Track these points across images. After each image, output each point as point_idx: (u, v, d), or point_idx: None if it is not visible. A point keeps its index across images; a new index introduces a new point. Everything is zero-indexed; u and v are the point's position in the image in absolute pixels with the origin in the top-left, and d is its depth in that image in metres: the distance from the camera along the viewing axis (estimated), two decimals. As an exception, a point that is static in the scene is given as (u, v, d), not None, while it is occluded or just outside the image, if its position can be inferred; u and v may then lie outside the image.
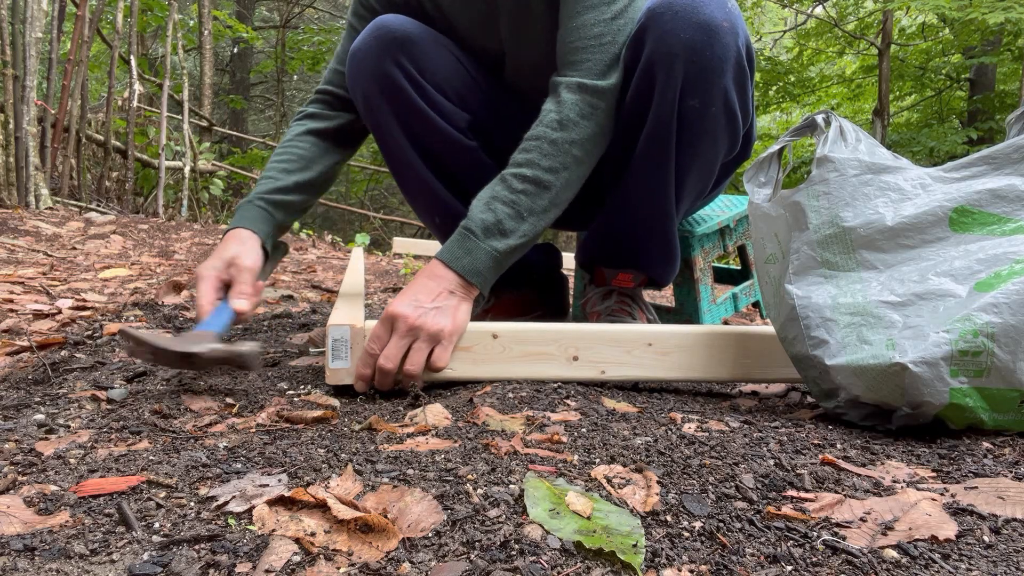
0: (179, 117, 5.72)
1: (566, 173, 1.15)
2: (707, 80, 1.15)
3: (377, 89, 1.29)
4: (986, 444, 0.90)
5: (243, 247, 1.20)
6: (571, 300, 1.82)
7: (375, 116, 1.33)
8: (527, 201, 1.13)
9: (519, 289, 1.58)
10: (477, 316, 1.56)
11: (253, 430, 0.91)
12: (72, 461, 0.78)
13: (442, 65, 1.34)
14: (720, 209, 1.66)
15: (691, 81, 1.15)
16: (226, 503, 0.68)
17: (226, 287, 1.16)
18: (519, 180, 1.14)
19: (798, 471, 0.79)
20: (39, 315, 1.65)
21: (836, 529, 0.66)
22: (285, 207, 1.29)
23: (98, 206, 4.72)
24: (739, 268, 1.86)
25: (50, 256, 2.71)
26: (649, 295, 1.65)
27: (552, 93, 1.19)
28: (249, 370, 1.08)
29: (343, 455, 0.81)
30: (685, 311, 1.59)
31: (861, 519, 0.68)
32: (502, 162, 1.46)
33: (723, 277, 1.91)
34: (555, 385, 1.11)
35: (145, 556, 0.59)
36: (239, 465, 0.78)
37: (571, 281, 1.84)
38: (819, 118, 1.10)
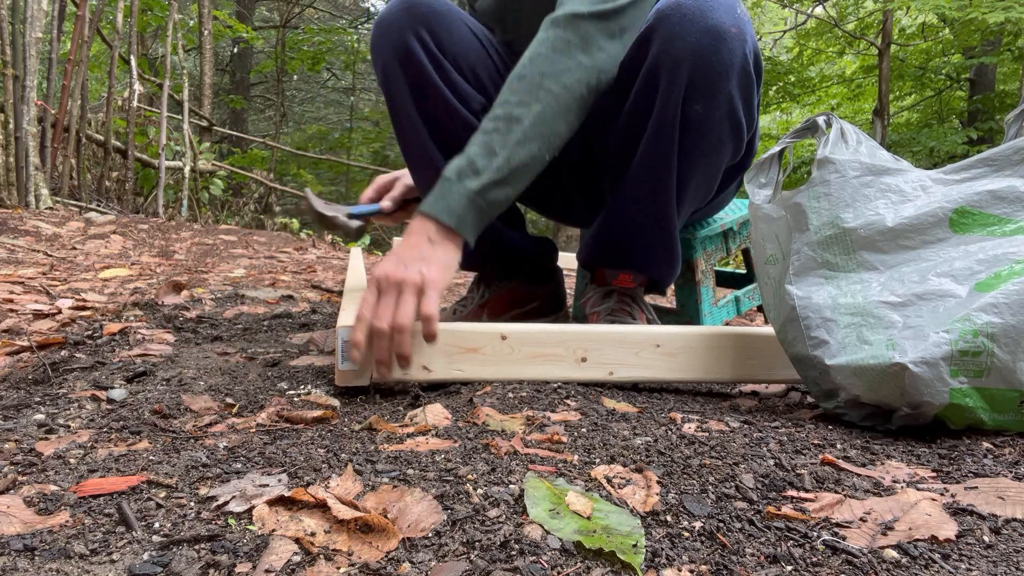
0: (179, 117, 5.72)
1: (538, 106, 1.12)
2: (711, 85, 1.15)
3: (396, 60, 1.30)
4: (986, 444, 0.90)
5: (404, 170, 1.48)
6: (572, 300, 1.82)
7: (391, 87, 1.34)
8: (498, 137, 1.11)
9: (512, 280, 1.58)
10: (472, 311, 1.56)
11: (253, 430, 0.91)
12: (72, 461, 0.78)
13: (465, 45, 1.35)
14: (724, 212, 1.66)
15: (695, 85, 1.15)
16: (226, 503, 0.68)
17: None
18: (490, 120, 1.13)
19: (798, 471, 0.79)
20: (39, 315, 1.65)
21: (836, 529, 0.66)
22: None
23: (98, 206, 4.72)
24: (743, 272, 1.85)
25: (50, 256, 2.71)
26: (651, 296, 1.65)
27: None
28: (348, 238, 1.49)
29: (343, 455, 0.81)
30: (686, 312, 1.59)
31: (861, 519, 0.68)
32: None
33: (727, 281, 1.90)
34: (555, 385, 1.11)
35: (145, 556, 0.59)
36: (239, 465, 0.78)
37: (571, 282, 1.83)
38: (820, 120, 1.10)
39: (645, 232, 1.33)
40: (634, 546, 0.61)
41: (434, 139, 1.36)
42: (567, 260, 1.92)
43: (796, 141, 1.14)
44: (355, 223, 1.45)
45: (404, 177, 1.50)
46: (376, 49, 1.33)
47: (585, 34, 1.15)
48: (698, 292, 1.56)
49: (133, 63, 5.10)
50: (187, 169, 5.40)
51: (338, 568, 0.58)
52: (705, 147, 1.22)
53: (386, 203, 1.48)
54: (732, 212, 1.66)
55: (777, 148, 1.15)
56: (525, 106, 1.12)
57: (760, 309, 1.79)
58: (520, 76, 1.14)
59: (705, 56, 1.12)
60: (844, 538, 0.64)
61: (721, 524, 0.66)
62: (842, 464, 0.82)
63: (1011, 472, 0.81)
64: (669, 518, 0.67)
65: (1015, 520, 0.68)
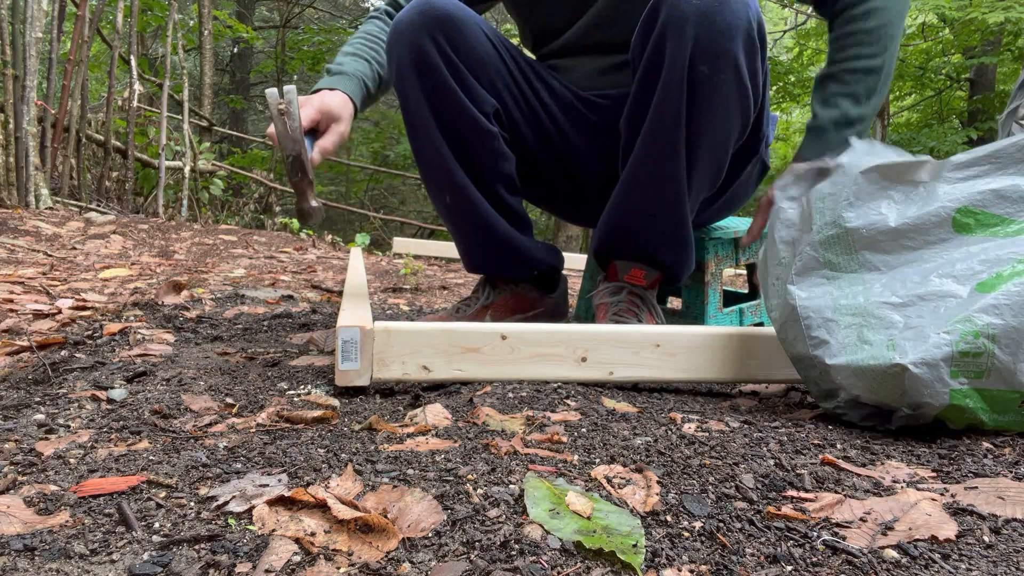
0: (179, 117, 5.72)
1: (889, 50, 1.29)
2: (717, 45, 1.17)
3: (410, 61, 1.32)
4: (986, 444, 0.90)
5: (345, 108, 1.31)
6: (573, 301, 1.82)
7: (404, 86, 1.35)
8: (862, 88, 1.26)
9: (519, 286, 1.58)
10: (476, 313, 1.56)
11: (253, 430, 0.91)
12: (72, 461, 0.78)
13: (479, 50, 1.37)
14: (736, 222, 1.69)
15: (701, 46, 1.17)
16: (226, 503, 0.68)
17: (312, 131, 1.28)
18: (848, 74, 1.26)
19: (798, 471, 0.79)
20: (39, 315, 1.65)
21: (836, 529, 0.66)
22: (370, 97, 1.41)
23: (98, 206, 4.72)
24: (745, 292, 1.86)
25: (50, 256, 2.71)
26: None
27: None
28: (303, 220, 1.25)
29: (343, 455, 0.81)
30: (691, 313, 1.59)
31: (861, 519, 0.68)
32: (525, 158, 1.48)
33: (730, 300, 1.90)
34: (555, 385, 1.11)
35: (145, 556, 0.59)
36: (239, 465, 0.78)
37: (573, 283, 1.83)
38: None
39: (655, 203, 1.32)
40: (634, 546, 0.61)
41: (447, 140, 1.37)
42: (569, 261, 1.92)
43: (831, 165, 1.12)
44: (319, 211, 1.25)
45: (342, 123, 1.30)
46: (391, 51, 1.35)
47: None
48: (705, 293, 1.57)
49: (133, 63, 5.10)
50: (187, 169, 5.40)
51: (338, 568, 0.58)
52: (713, 111, 1.23)
53: (316, 156, 1.28)
54: (745, 223, 1.67)
55: (819, 164, 1.13)
56: (878, 56, 1.28)
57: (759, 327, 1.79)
58: (867, 31, 1.28)
59: (710, 16, 1.15)
60: (844, 538, 0.64)
61: (721, 524, 0.66)
62: (842, 464, 0.82)
63: (1011, 472, 0.81)
64: (669, 518, 0.67)
65: (1015, 520, 0.68)
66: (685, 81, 1.19)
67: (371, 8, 13.86)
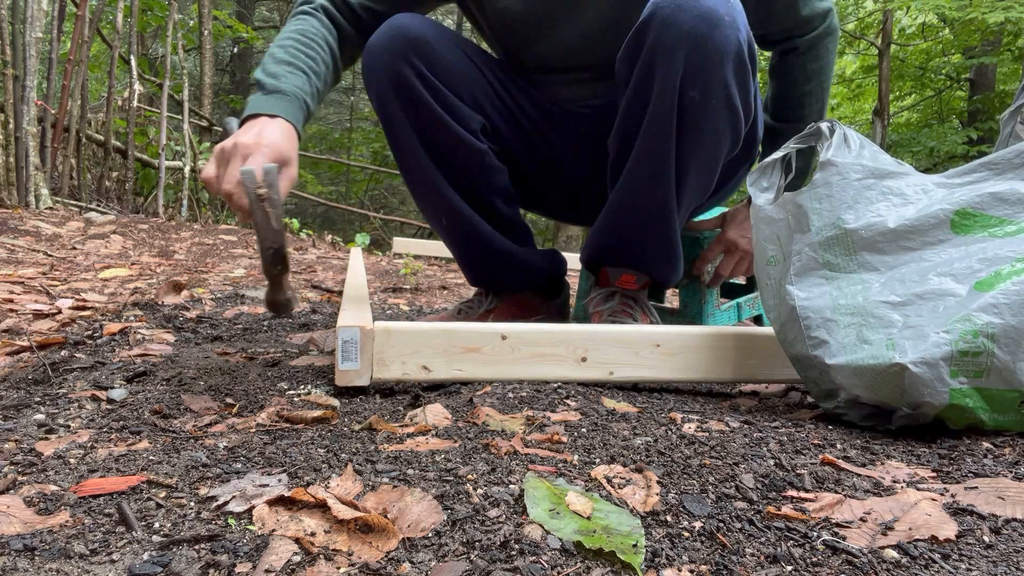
0: (179, 117, 5.72)
1: (825, 98, 1.49)
2: (707, 70, 1.16)
3: (391, 89, 1.30)
4: (986, 444, 0.90)
5: (293, 147, 1.10)
6: (573, 300, 1.82)
7: (387, 113, 1.34)
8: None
9: (521, 291, 1.58)
10: (479, 317, 1.57)
11: (253, 430, 0.91)
12: (72, 461, 0.78)
13: (457, 67, 1.35)
14: None
15: (691, 71, 1.16)
16: (226, 503, 0.68)
17: None
18: (794, 132, 1.31)
19: (798, 471, 0.79)
20: (39, 315, 1.65)
21: (836, 529, 0.66)
22: (308, 117, 1.22)
23: (98, 206, 4.72)
24: (742, 283, 1.85)
25: (50, 256, 2.71)
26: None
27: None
28: (276, 312, 1.12)
29: (343, 455, 0.81)
30: (689, 313, 1.59)
31: (861, 519, 0.68)
32: (514, 167, 1.47)
33: (726, 292, 1.90)
34: (555, 385, 1.11)
35: (145, 556, 0.59)
36: (239, 465, 0.78)
37: (573, 282, 1.83)
38: (824, 126, 1.10)
39: (644, 225, 1.33)
40: (634, 546, 0.61)
41: (434, 160, 1.36)
42: (568, 261, 1.92)
43: (800, 147, 1.14)
44: (294, 301, 1.13)
45: (292, 166, 1.09)
46: (368, 78, 1.32)
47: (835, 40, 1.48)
48: (702, 292, 1.56)
49: (133, 63, 5.10)
50: (187, 169, 5.40)
51: (338, 568, 0.58)
52: (703, 136, 1.22)
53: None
54: None
55: (780, 153, 1.15)
56: (821, 110, 1.49)
57: (757, 320, 1.79)
58: (808, 92, 1.46)
59: (700, 41, 1.14)
60: (844, 538, 0.64)
61: (721, 524, 0.66)
62: (842, 464, 0.82)
63: (1011, 472, 0.81)
64: (669, 518, 0.67)
65: (1015, 520, 0.68)
66: (675, 106, 1.18)
67: None
